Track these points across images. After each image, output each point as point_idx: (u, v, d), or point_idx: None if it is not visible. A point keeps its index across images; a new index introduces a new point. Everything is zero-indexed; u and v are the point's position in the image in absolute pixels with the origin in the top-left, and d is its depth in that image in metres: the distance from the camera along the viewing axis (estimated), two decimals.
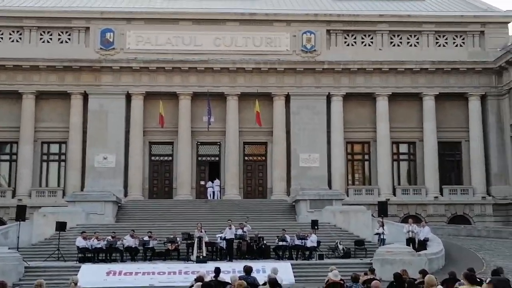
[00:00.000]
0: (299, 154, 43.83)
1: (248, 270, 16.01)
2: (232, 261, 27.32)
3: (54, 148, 45.15)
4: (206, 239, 27.97)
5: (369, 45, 45.91)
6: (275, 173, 44.01)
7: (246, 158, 45.41)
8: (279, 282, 14.49)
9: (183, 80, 44.32)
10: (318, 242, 29.19)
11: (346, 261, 27.63)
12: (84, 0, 46.95)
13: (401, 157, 46.81)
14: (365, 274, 17.38)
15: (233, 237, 28.79)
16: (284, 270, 23.05)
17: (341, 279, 16.08)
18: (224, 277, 17.13)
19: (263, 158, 45.59)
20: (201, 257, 26.92)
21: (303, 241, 28.87)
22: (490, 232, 38.84)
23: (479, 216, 43.89)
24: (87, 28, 44.61)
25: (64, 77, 43.83)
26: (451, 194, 44.55)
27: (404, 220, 38.28)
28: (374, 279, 15.19)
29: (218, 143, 45.13)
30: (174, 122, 43.89)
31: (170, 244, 29.07)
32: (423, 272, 15.81)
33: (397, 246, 27.31)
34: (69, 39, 44.70)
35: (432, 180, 44.32)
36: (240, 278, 14.19)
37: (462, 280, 13.21)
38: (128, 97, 44.26)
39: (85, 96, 43.99)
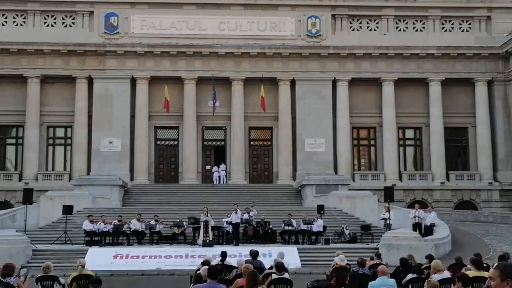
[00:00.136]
0: (304, 139, 43.77)
1: (254, 254, 16.07)
2: (238, 245, 27.44)
3: (60, 132, 45.24)
4: (212, 223, 28.08)
5: (375, 30, 45.63)
6: (280, 158, 44.00)
7: (251, 143, 45.39)
8: (285, 266, 14.52)
9: (188, 64, 44.20)
10: (324, 227, 29.27)
11: (352, 246, 27.73)
12: None
13: (407, 142, 46.70)
14: (371, 259, 17.43)
15: (239, 221, 28.92)
16: (291, 255, 23.16)
17: (347, 264, 16.14)
18: (230, 261, 17.21)
19: (269, 143, 45.56)
20: (207, 241, 27.04)
21: (309, 225, 28.95)
22: (496, 217, 38.80)
23: (485, 201, 43.85)
24: (91, 12, 44.44)
25: (69, 61, 43.77)
26: (457, 180, 44.48)
27: (411, 206, 38.25)
28: (380, 264, 15.22)
29: (224, 128, 45.10)
30: (179, 107, 43.86)
31: (176, 228, 29.21)
32: (430, 257, 15.87)
33: (403, 231, 27.37)
34: (73, 23, 44.57)
35: (438, 165, 44.24)
36: (247, 262, 14.23)
37: (468, 265, 13.27)
38: (133, 82, 44.20)
39: (90, 80, 43.95)
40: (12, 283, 12.22)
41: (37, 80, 43.64)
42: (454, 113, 45.38)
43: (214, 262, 15.67)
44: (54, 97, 44.43)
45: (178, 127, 44.63)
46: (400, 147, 45.78)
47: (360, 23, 45.73)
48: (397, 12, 45.55)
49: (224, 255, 16.94)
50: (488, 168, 44.37)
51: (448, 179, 44.30)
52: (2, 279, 12.12)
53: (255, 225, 29.32)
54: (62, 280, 14.18)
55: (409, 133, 46.78)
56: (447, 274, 13.15)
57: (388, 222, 29.53)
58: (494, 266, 5.37)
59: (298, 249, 26.03)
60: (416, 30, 45.77)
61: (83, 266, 14.21)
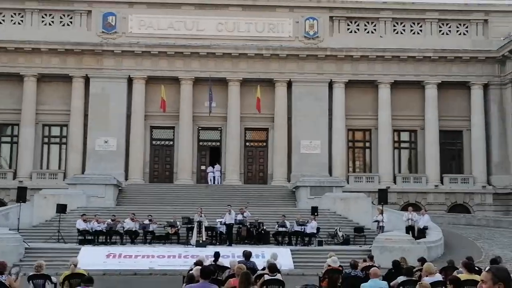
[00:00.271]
0: (300, 140, 43.82)
1: (247, 255, 16.09)
2: (231, 246, 27.44)
3: (55, 131, 45.17)
4: (206, 223, 28.10)
5: (372, 32, 45.72)
6: (276, 159, 44.03)
7: (247, 143, 45.41)
8: (278, 267, 14.54)
9: (185, 65, 44.19)
10: (318, 229, 29.30)
11: (345, 247, 27.76)
12: None
13: (402, 145, 46.78)
14: (364, 261, 17.46)
15: (233, 222, 28.92)
16: (284, 256, 23.18)
17: (340, 266, 16.15)
18: (223, 261, 17.24)
19: (264, 144, 45.58)
20: (200, 241, 27.06)
21: (302, 227, 28.98)
22: (489, 221, 38.90)
23: (479, 205, 43.96)
24: (89, 12, 44.41)
25: (66, 60, 43.72)
26: (451, 183, 44.59)
27: (404, 208, 38.34)
28: (373, 266, 15.25)
29: (219, 129, 45.11)
30: (175, 107, 43.85)
31: (170, 228, 29.21)
32: (422, 260, 15.90)
33: (396, 234, 27.41)
34: (71, 22, 44.53)
35: (432, 168, 44.34)
36: (240, 263, 14.24)
37: (460, 268, 13.31)
38: (130, 81, 44.18)
39: (87, 80, 43.92)
40: (3, 281, 12.21)
41: (34, 79, 43.58)
42: (450, 116, 45.48)
43: (207, 262, 15.68)
44: (50, 96, 44.37)
45: (174, 127, 44.62)
46: (395, 150, 45.87)
47: (358, 25, 45.82)
48: (395, 15, 45.65)
49: (217, 255, 16.96)
50: (482, 172, 44.50)
51: (442, 182, 44.41)
52: None
53: (248, 226, 29.35)
54: (54, 278, 14.17)
55: (404, 136, 46.87)
56: (439, 277, 13.18)
57: (381, 224, 29.59)
58: (486, 269, 5.40)
59: (291, 250, 26.04)
60: (413, 33, 45.88)
61: (75, 265, 14.20)
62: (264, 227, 29.52)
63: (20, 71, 43.41)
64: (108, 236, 28.74)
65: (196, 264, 14.56)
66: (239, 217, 29.33)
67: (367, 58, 44.73)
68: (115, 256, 25.36)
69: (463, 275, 12.20)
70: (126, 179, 42.30)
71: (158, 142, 45.33)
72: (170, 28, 44.30)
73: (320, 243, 28.53)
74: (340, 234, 30.04)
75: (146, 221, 29.34)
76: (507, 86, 44.69)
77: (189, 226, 28.47)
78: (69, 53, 43.55)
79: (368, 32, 45.75)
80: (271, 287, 12.93)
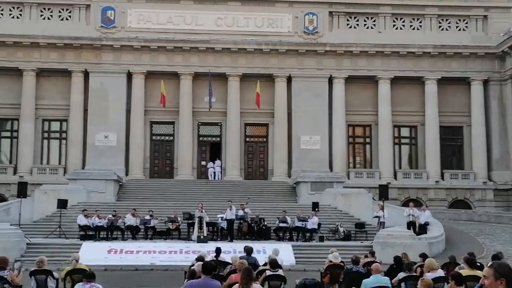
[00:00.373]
0: (300, 136, 43.79)
1: (249, 250, 16.09)
2: (232, 241, 27.45)
3: (55, 126, 45.10)
4: (207, 219, 28.09)
5: (372, 27, 45.64)
6: (276, 154, 44.01)
7: (247, 139, 45.38)
8: (279, 263, 14.55)
9: (185, 59, 44.11)
10: (319, 224, 29.32)
11: (347, 243, 27.79)
12: None
13: (403, 140, 46.77)
14: (366, 256, 17.48)
15: (234, 217, 28.92)
16: (285, 252, 23.18)
17: (341, 261, 16.17)
18: (224, 257, 17.24)
19: (264, 139, 45.55)
20: (201, 237, 27.07)
21: (303, 223, 28.99)
22: (490, 217, 38.93)
23: (479, 201, 43.98)
24: (88, 6, 44.29)
25: (65, 55, 43.62)
26: (452, 179, 44.59)
27: (405, 204, 38.35)
28: (374, 261, 15.24)
29: (219, 124, 45.07)
30: (175, 102, 43.78)
31: (171, 223, 29.21)
32: (423, 256, 15.92)
33: (397, 230, 27.44)
34: (69, 16, 44.41)
35: (433, 164, 44.34)
36: (241, 258, 14.24)
37: (462, 264, 13.31)
38: (129, 76, 44.10)
39: (86, 74, 43.83)
40: (5, 276, 12.21)
41: (33, 73, 43.48)
42: (450, 112, 45.46)
43: (208, 258, 15.67)
44: (49, 91, 44.29)
45: (173, 122, 44.57)
46: (395, 146, 45.86)
47: (357, 20, 45.73)
48: (394, 10, 45.59)
49: (218, 251, 16.97)
50: (482, 168, 44.50)
51: (442, 178, 44.41)
52: None
53: (249, 222, 29.35)
54: (55, 274, 14.15)
55: (405, 132, 46.86)
56: (440, 272, 13.18)
57: (381, 220, 29.60)
58: (488, 265, 5.40)
59: (292, 246, 26.07)
60: (413, 29, 45.80)
61: (77, 261, 14.20)
62: (265, 223, 29.53)
63: (19, 66, 43.32)
64: (109, 231, 28.73)
65: (197, 259, 14.55)
66: (240, 212, 29.33)
67: (366, 53, 44.67)
68: (116, 252, 25.38)
69: (465, 271, 12.21)
70: (127, 174, 42.27)
71: (158, 138, 45.29)
72: (169, 23, 44.20)
73: (321, 239, 28.56)
74: (341, 229, 30.05)
75: (147, 217, 29.34)
76: (507, 82, 44.67)
77: (190, 221, 28.49)
78: (68, 48, 43.45)
79: (367, 28, 45.67)
80: (273, 283, 12.94)
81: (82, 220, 28.51)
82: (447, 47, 44.67)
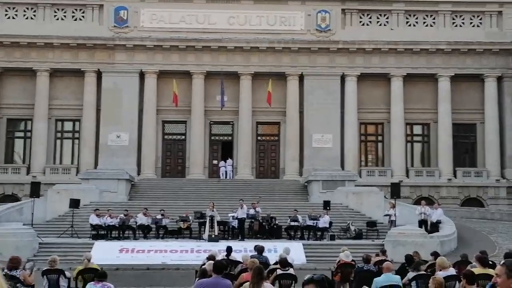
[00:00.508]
0: (312, 134, 43.69)
1: (260, 249, 16.09)
2: (244, 240, 27.45)
3: (68, 126, 45.39)
4: (218, 218, 28.11)
5: (385, 25, 45.40)
6: (287, 153, 43.95)
7: (259, 138, 45.36)
8: (290, 262, 14.54)
9: (197, 59, 44.18)
10: (330, 223, 29.24)
11: (358, 242, 27.70)
12: None
13: (415, 138, 46.50)
14: (377, 255, 17.43)
15: (245, 216, 28.91)
16: (296, 250, 23.15)
17: (352, 260, 16.14)
18: (235, 256, 17.26)
19: (276, 138, 45.50)
20: (213, 236, 27.09)
21: (315, 221, 28.91)
22: (503, 215, 38.63)
23: (492, 199, 43.62)
24: (101, 6, 44.49)
25: (78, 55, 43.87)
26: (464, 177, 44.27)
27: (417, 202, 38.11)
28: (385, 260, 15.20)
29: (231, 123, 45.09)
30: (187, 101, 43.85)
31: (182, 222, 29.26)
32: (435, 254, 15.83)
33: (409, 228, 27.30)
34: (83, 16, 44.65)
35: (445, 162, 44.05)
36: (252, 257, 14.24)
37: (474, 263, 13.21)
38: (142, 76, 44.26)
39: (99, 74, 44.04)
40: (18, 276, 12.31)
41: (46, 74, 43.77)
42: (463, 109, 45.11)
43: (219, 257, 15.71)
44: (62, 91, 44.57)
45: (185, 121, 44.66)
46: (407, 143, 45.62)
47: (370, 17, 45.52)
48: (407, 7, 45.30)
49: (229, 250, 17.00)
50: (495, 165, 44.13)
51: (455, 176, 44.11)
52: (8, 272, 12.21)
53: (261, 221, 29.32)
54: (68, 273, 14.26)
55: (417, 129, 46.58)
56: (452, 271, 13.12)
57: (392, 218, 29.46)
58: (501, 263, 5.36)
59: (303, 244, 26.05)
60: (426, 25, 45.49)
61: (89, 260, 14.31)
62: (276, 222, 29.49)
63: (32, 66, 43.62)
64: (121, 231, 28.85)
65: (208, 258, 14.59)
66: (251, 211, 29.31)
67: (379, 51, 44.45)
68: (128, 251, 25.49)
69: (477, 269, 12.13)
70: (139, 174, 42.43)
71: (170, 137, 45.41)
72: (181, 22, 44.28)
73: (332, 238, 28.49)
74: (352, 228, 29.96)
75: (159, 216, 29.41)
76: None
77: (201, 220, 28.52)
78: (81, 48, 43.69)
79: (380, 25, 45.44)
80: (284, 282, 12.96)
81: (94, 220, 28.65)
82: (460, 44, 44.31)
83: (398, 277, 12.89)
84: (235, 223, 29.18)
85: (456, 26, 45.55)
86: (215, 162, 44.58)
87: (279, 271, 13.07)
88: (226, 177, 42.62)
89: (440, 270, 12.69)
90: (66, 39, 43.25)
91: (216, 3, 44.49)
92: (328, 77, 44.39)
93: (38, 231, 27.51)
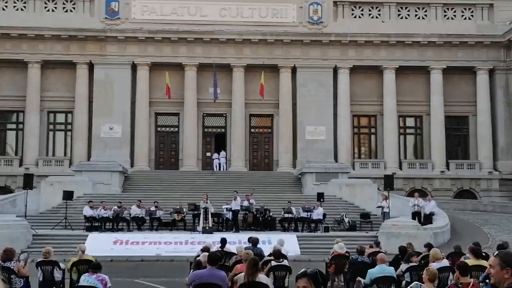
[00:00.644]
0: (305, 126, 43.73)
1: (254, 241, 16.11)
2: (238, 232, 27.50)
3: (60, 118, 45.21)
4: (212, 210, 28.15)
5: (377, 17, 45.41)
6: (281, 145, 43.99)
7: (252, 130, 45.36)
8: (284, 253, 14.58)
9: (189, 51, 44.05)
10: (324, 215, 29.33)
11: (352, 234, 27.82)
12: None
13: (408, 131, 46.67)
14: (371, 247, 17.49)
15: (239, 208, 28.96)
16: (290, 242, 23.21)
17: (346, 252, 16.21)
18: (230, 247, 17.28)
19: (269, 130, 45.53)
20: (207, 227, 27.13)
21: (308, 213, 29.00)
22: (496, 207, 38.88)
23: (485, 191, 43.89)
24: None
25: (69, 47, 43.63)
26: (457, 169, 44.49)
27: (410, 194, 38.33)
28: (379, 252, 15.28)
29: (224, 115, 45.05)
30: (180, 93, 43.76)
31: (176, 214, 29.27)
32: (429, 246, 15.90)
33: (402, 220, 27.43)
34: (74, 8, 44.35)
35: (438, 154, 44.24)
36: (246, 249, 14.26)
37: (467, 254, 13.30)
38: (134, 68, 44.09)
39: (91, 66, 43.83)
40: (12, 267, 12.28)
41: (38, 65, 43.52)
42: (455, 101, 45.27)
43: (213, 248, 15.72)
44: (54, 83, 44.34)
45: (178, 113, 44.58)
46: (400, 136, 45.76)
47: (362, 10, 45.51)
48: (399, 0, 45.29)
49: (223, 241, 17.01)
50: (488, 157, 44.37)
51: (448, 168, 44.32)
52: (2, 263, 12.19)
53: (254, 212, 29.38)
54: (62, 265, 14.24)
55: (410, 122, 46.74)
56: (445, 262, 13.18)
57: (385, 210, 29.58)
58: (494, 254, 5.40)
59: (297, 236, 26.12)
60: (418, 18, 45.54)
61: (83, 252, 14.27)
62: (270, 214, 29.56)
63: (24, 58, 43.35)
64: (115, 222, 28.85)
65: (203, 250, 14.60)
66: (245, 203, 29.37)
67: (371, 43, 44.48)
68: (122, 243, 25.50)
69: (470, 261, 12.20)
70: (132, 166, 42.37)
71: (163, 129, 45.34)
72: (173, 14, 44.09)
73: (326, 229, 28.60)
74: (346, 220, 30.08)
75: (153, 208, 29.41)
76: None
77: (195, 212, 28.54)
78: (72, 39, 43.44)
79: (372, 17, 45.45)
80: (278, 273, 12.98)
81: (88, 212, 28.63)
82: (452, 36, 44.40)
83: (392, 268, 12.96)
84: (229, 215, 29.23)
85: (447, 18, 45.63)
86: (208, 154, 44.57)
87: (273, 263, 13.10)
88: (219, 169, 42.63)
89: (434, 262, 12.75)
90: (57, 31, 42.99)
91: None
92: (321, 69, 44.39)
93: (31, 223, 27.47)
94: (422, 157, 45.51)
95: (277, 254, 13.45)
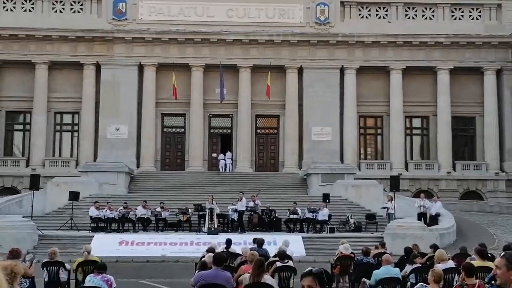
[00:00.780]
0: (311, 127, 43.67)
1: (260, 242, 16.11)
2: (243, 233, 27.50)
3: (67, 119, 45.35)
4: (217, 210, 28.16)
5: (384, 17, 45.30)
6: (287, 146, 43.95)
7: (258, 131, 45.34)
8: (289, 254, 14.57)
9: (196, 51, 44.09)
10: (329, 216, 29.28)
11: (357, 234, 27.76)
12: None
13: (414, 131, 46.51)
14: (376, 248, 17.45)
15: (244, 209, 28.96)
16: (295, 243, 23.24)
17: (352, 253, 16.18)
18: (235, 248, 17.28)
19: (275, 131, 45.49)
20: (212, 228, 27.14)
21: (314, 214, 28.97)
22: (502, 208, 38.71)
23: (491, 192, 43.67)
24: None
25: (77, 47, 43.76)
26: (464, 170, 44.32)
27: (416, 195, 38.20)
28: (385, 253, 15.24)
29: (230, 116, 45.07)
30: (186, 94, 43.81)
31: (182, 215, 29.29)
32: (434, 247, 15.85)
33: (408, 221, 27.37)
34: (81, 9, 44.49)
35: (445, 155, 44.07)
36: (252, 250, 14.26)
37: (473, 255, 13.24)
38: (141, 68, 44.18)
39: (98, 67, 43.95)
40: None
41: (45, 66, 43.67)
42: (462, 102, 45.09)
43: (218, 249, 15.73)
44: (61, 83, 44.49)
45: (185, 114, 44.63)
46: (407, 136, 45.62)
47: (369, 10, 45.40)
48: (407, 0, 45.17)
49: (229, 242, 17.02)
50: (495, 158, 44.16)
51: (454, 169, 44.14)
52: None
53: (260, 213, 29.37)
54: (67, 265, 14.29)
55: (416, 122, 46.59)
56: (451, 263, 13.15)
57: (389, 211, 29.50)
58: (501, 255, 5.37)
59: (302, 237, 26.11)
60: (425, 18, 45.39)
61: (88, 252, 14.32)
62: (276, 214, 29.54)
63: (31, 59, 43.50)
64: (121, 223, 28.90)
65: (208, 251, 14.61)
66: (251, 204, 29.36)
67: (378, 43, 44.37)
68: (127, 244, 25.55)
69: (476, 262, 12.15)
70: (138, 166, 42.45)
71: (170, 130, 45.40)
72: (180, 15, 44.15)
73: (331, 230, 28.55)
74: (351, 221, 30.01)
75: (158, 209, 29.45)
76: None
77: (201, 213, 28.56)
78: (80, 40, 43.58)
79: (379, 18, 45.34)
80: (283, 274, 12.97)
81: (93, 212, 28.69)
82: (459, 37, 44.22)
83: (397, 269, 12.93)
84: (234, 216, 29.22)
85: (455, 19, 45.46)
86: (214, 155, 44.58)
87: (278, 264, 13.10)
88: (225, 170, 42.64)
89: (439, 263, 12.71)
90: (64, 32, 43.13)
91: None
92: (327, 70, 44.33)
93: (37, 223, 27.56)
94: (428, 158, 45.34)
95: (282, 255, 13.44)
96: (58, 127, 45.05)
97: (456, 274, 12.36)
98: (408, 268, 13.46)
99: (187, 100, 43.85)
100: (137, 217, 29.09)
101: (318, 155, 42.45)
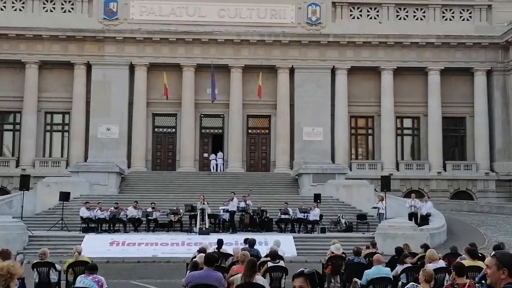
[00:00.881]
0: (302, 127, 43.73)
1: (251, 242, 16.09)
2: (234, 233, 27.48)
3: (58, 119, 45.15)
4: (209, 211, 28.13)
5: (375, 18, 45.43)
6: (278, 146, 43.99)
7: (249, 131, 45.35)
8: (280, 254, 14.57)
9: (187, 51, 44.03)
10: (321, 216, 29.31)
11: (348, 234, 27.81)
12: None
13: (405, 132, 46.69)
14: (367, 248, 17.47)
15: (236, 209, 28.94)
16: (287, 243, 23.24)
17: (343, 253, 16.21)
18: (226, 248, 17.27)
19: (267, 131, 45.51)
20: (203, 229, 27.11)
21: (305, 214, 28.99)
22: (492, 208, 38.90)
23: (482, 192, 43.93)
24: None
25: (68, 47, 43.58)
26: (454, 170, 44.54)
27: (407, 195, 38.31)
28: (376, 253, 15.27)
29: (222, 116, 45.04)
30: (177, 94, 43.74)
31: (173, 215, 29.23)
32: (425, 247, 15.90)
33: (399, 221, 27.43)
34: (72, 8, 44.31)
35: (435, 155, 44.27)
36: (243, 250, 14.25)
37: (463, 255, 13.29)
38: (132, 68, 44.06)
39: (89, 67, 43.79)
40: None
41: (35, 66, 43.47)
42: (453, 102, 45.32)
43: (210, 250, 15.70)
44: (52, 83, 44.29)
45: (176, 114, 44.56)
46: (397, 137, 45.77)
47: (360, 11, 45.53)
48: (398, 1, 45.34)
49: (220, 242, 16.99)
50: (485, 158, 44.42)
51: (445, 169, 44.36)
52: None
53: (251, 214, 29.36)
54: (58, 266, 14.21)
55: (407, 123, 46.76)
56: (442, 263, 13.19)
57: (380, 211, 29.57)
58: (491, 255, 5.39)
59: (294, 237, 26.12)
60: (416, 19, 45.58)
61: (79, 253, 14.26)
62: (267, 215, 29.54)
63: (21, 58, 43.29)
64: (111, 224, 28.77)
65: (199, 251, 14.57)
66: (242, 204, 29.34)
67: (369, 44, 44.50)
68: (118, 244, 25.46)
69: (466, 262, 12.20)
70: (129, 166, 42.32)
71: (161, 130, 45.31)
72: (172, 15, 44.08)
73: (323, 230, 28.59)
74: (343, 221, 30.06)
75: (149, 209, 29.36)
76: (510, 72, 44.50)
77: (192, 213, 28.51)
78: (70, 40, 43.40)
79: (371, 18, 45.47)
80: (275, 274, 12.98)
81: (84, 213, 28.56)
82: (450, 37, 44.43)
83: (388, 269, 12.97)
84: (226, 216, 29.19)
85: (446, 19, 45.68)
86: (205, 155, 44.55)
87: (270, 264, 13.10)
88: (216, 170, 42.62)
89: (430, 263, 12.76)
90: (55, 31, 42.94)
91: None
92: (319, 70, 44.41)
93: (27, 224, 27.40)
94: (419, 158, 45.53)
95: (274, 255, 13.45)
96: (48, 127, 44.85)
97: (446, 274, 12.41)
98: (399, 268, 13.50)
99: (178, 100, 43.78)
100: (128, 217, 28.99)
101: (309, 155, 42.52)
